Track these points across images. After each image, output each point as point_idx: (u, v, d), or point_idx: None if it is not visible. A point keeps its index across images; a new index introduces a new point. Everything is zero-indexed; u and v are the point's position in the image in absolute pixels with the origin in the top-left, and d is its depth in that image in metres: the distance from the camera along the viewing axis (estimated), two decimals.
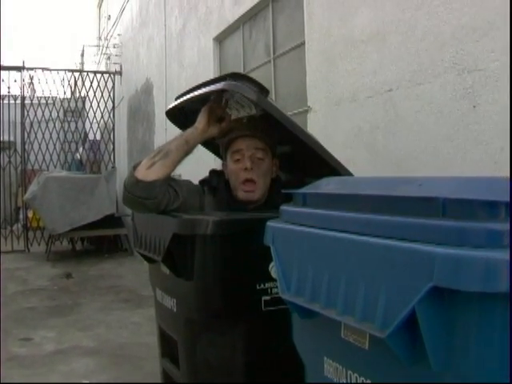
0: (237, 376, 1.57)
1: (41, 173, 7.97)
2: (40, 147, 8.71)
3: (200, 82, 1.88)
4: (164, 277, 1.78)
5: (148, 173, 1.71)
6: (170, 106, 2.09)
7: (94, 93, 9.05)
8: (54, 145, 8.85)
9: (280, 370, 1.57)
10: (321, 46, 3.22)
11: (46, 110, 8.76)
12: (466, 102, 2.13)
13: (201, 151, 2.00)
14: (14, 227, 8.94)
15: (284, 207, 1.30)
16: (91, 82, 9.12)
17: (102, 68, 11.57)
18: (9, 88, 8.58)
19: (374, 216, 0.96)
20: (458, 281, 0.77)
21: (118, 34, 10.55)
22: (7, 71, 8.55)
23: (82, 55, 15.19)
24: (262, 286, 1.52)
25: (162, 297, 1.88)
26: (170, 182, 1.78)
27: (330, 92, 3.12)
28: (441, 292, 0.81)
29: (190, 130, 1.83)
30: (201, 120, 1.82)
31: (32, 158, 8.75)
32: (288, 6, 3.94)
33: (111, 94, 9.26)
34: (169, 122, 2.26)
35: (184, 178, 2.02)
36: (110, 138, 9.33)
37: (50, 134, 8.77)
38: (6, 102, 8.49)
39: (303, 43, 3.50)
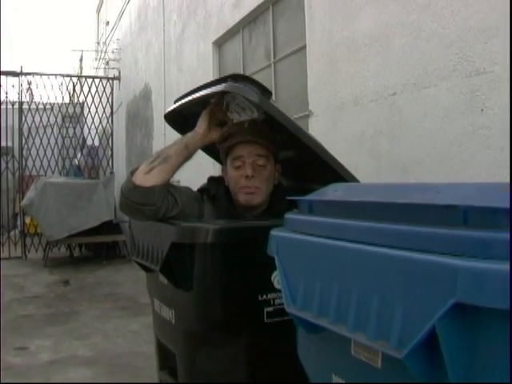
0: None
1: (38, 178, 7.94)
2: (38, 153, 8.64)
3: None
4: (162, 287, 1.72)
5: (146, 178, 1.64)
6: (169, 109, 2.02)
7: (93, 98, 9.01)
8: (52, 150, 8.78)
9: None
10: (322, 48, 3.17)
11: (44, 116, 8.71)
12: (473, 105, 2.08)
13: (200, 156, 1.93)
14: (12, 233, 8.86)
15: (289, 215, 1.23)
16: (89, 88, 9.09)
17: (101, 73, 11.54)
18: (7, 93, 8.53)
19: (388, 225, 0.89)
20: (483, 297, 0.70)
21: (117, 39, 10.54)
22: (5, 76, 8.51)
23: (81, 60, 15.18)
24: (265, 296, 1.46)
25: (160, 307, 1.81)
26: (168, 188, 1.71)
27: (332, 96, 3.07)
28: (463, 308, 0.74)
29: (190, 135, 1.76)
30: (201, 124, 1.76)
31: (30, 163, 8.66)
32: (289, 8, 3.89)
33: (109, 100, 9.22)
34: (167, 128, 2.20)
35: (182, 184, 1.95)
36: (108, 143, 9.28)
37: (48, 140, 8.71)
38: (3, 107, 8.43)
39: (304, 46, 3.46)
